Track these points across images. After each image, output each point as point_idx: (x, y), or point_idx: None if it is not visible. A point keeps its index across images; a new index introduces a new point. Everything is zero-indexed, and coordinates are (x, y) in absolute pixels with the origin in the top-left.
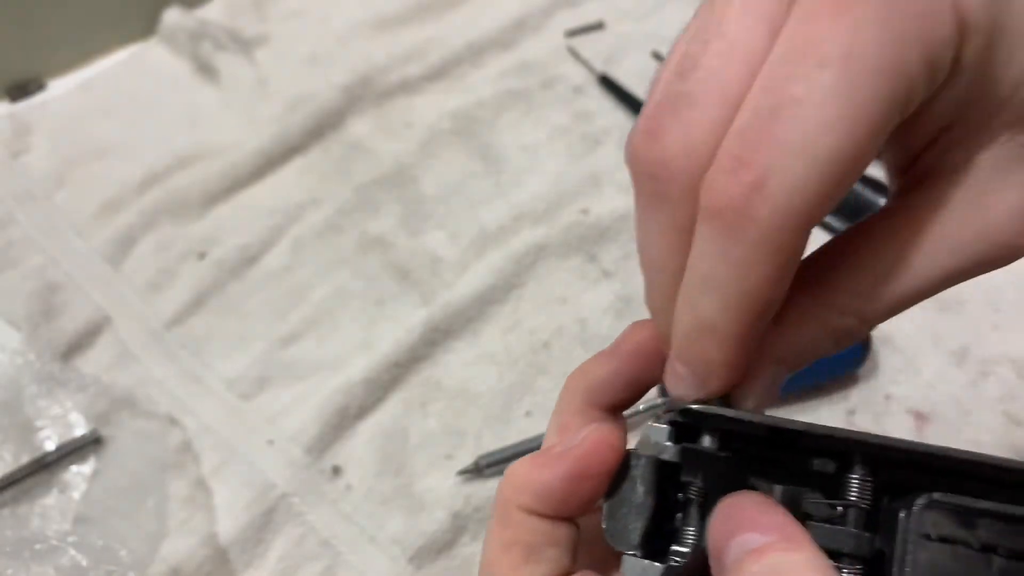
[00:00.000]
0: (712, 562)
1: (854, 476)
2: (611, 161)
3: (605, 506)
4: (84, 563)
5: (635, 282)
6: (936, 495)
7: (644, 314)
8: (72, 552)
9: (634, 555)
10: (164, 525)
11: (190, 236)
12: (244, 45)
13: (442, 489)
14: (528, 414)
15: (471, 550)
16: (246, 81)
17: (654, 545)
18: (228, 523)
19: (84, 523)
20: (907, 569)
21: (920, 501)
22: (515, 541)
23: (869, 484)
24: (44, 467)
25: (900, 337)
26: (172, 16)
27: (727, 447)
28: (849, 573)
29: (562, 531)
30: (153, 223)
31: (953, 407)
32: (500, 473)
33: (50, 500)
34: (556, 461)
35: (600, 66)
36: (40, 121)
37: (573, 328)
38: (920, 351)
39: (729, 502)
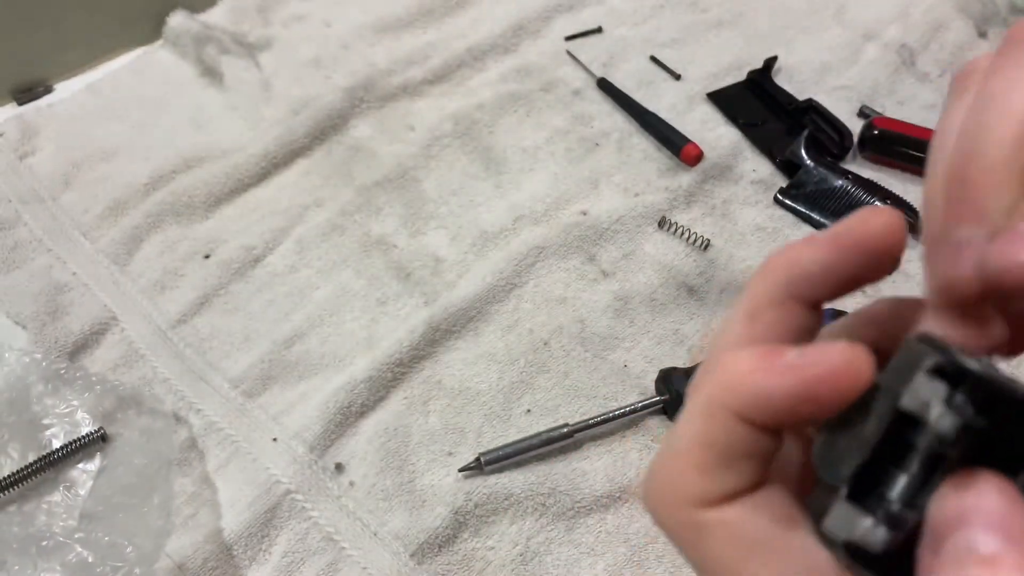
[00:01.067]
0: (927, 541)
1: None
2: (610, 163)
3: (825, 427)
4: (90, 559)
5: (633, 282)
6: None
7: (642, 313)
8: (78, 548)
9: (845, 504)
10: (170, 521)
11: (195, 237)
12: (248, 49)
13: (443, 486)
14: (528, 412)
15: (472, 545)
16: (250, 84)
17: (862, 487)
18: (233, 519)
19: (90, 520)
20: None
21: None
22: (711, 442)
23: None
24: (51, 464)
25: None
26: (177, 20)
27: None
28: None
29: (765, 442)
30: (159, 224)
31: None
32: (501, 470)
33: (57, 497)
34: (787, 372)
35: (599, 70)
36: (47, 123)
37: (572, 327)
38: None
39: (972, 480)
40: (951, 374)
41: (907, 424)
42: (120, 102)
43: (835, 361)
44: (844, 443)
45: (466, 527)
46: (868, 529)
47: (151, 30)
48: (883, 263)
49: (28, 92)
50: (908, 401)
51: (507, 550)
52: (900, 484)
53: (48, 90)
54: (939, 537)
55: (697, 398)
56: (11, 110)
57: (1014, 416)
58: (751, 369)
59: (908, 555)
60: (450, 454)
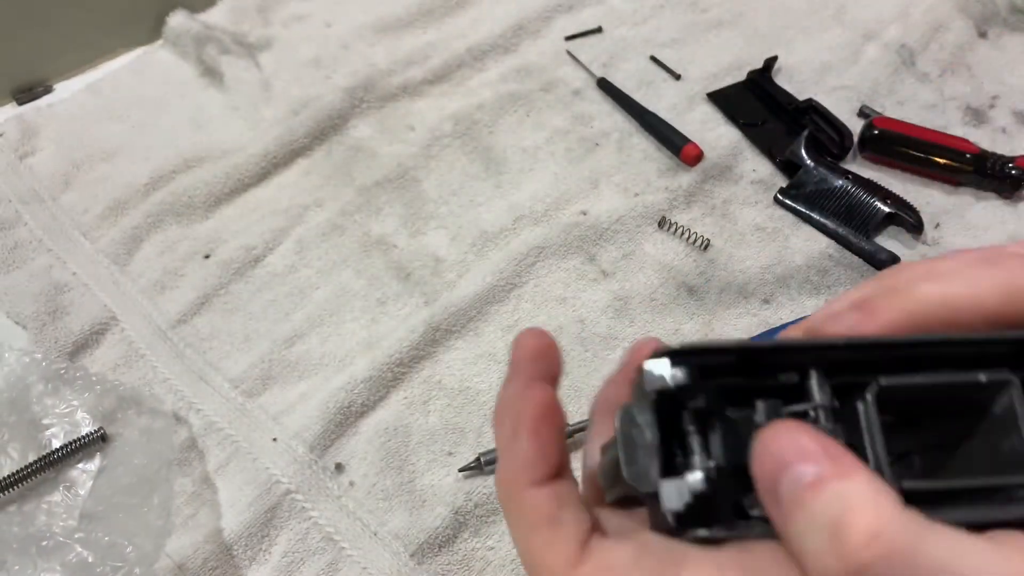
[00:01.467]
0: (766, 500)
1: (813, 380)
2: (610, 163)
3: (621, 455)
4: (90, 559)
5: (633, 282)
6: (883, 380)
7: (642, 313)
8: (79, 549)
9: (668, 482)
10: (170, 521)
11: (195, 237)
12: (248, 49)
13: (443, 485)
14: None
15: (472, 545)
16: (250, 84)
17: (667, 467)
18: (233, 519)
19: (90, 520)
20: (871, 455)
21: (870, 389)
22: (534, 521)
23: (828, 384)
24: (51, 464)
25: None
26: (177, 20)
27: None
28: None
29: (564, 488)
30: (159, 224)
31: None
32: None
33: (57, 497)
34: (516, 438)
35: (599, 70)
36: (47, 123)
37: (572, 327)
38: None
39: (768, 434)
40: (669, 353)
41: (665, 414)
42: (120, 102)
43: (532, 402)
44: (638, 456)
45: (466, 527)
46: (697, 481)
47: (151, 30)
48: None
49: (28, 92)
50: (648, 384)
51: (507, 550)
52: (693, 444)
53: (48, 90)
54: (772, 489)
55: (504, 508)
56: (11, 110)
57: (735, 362)
58: (505, 458)
59: (723, 502)
60: (450, 454)
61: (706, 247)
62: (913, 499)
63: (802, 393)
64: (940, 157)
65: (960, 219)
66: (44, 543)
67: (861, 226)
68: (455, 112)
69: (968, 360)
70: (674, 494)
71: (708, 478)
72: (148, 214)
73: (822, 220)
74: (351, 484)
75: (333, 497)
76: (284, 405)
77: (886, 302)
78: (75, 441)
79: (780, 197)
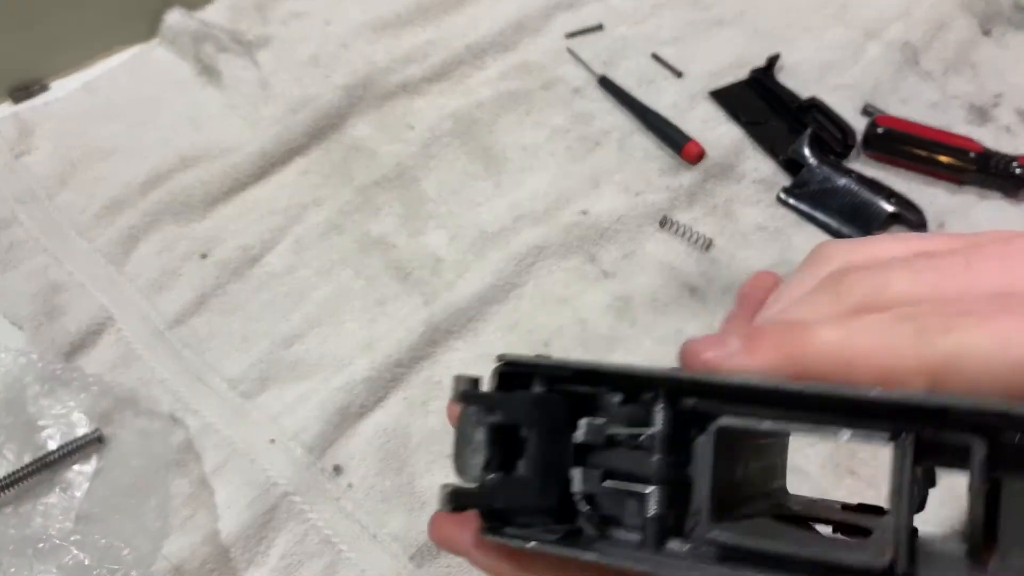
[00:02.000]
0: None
1: (651, 406)
2: (610, 162)
3: (453, 446)
4: (87, 562)
5: (634, 282)
6: (723, 420)
7: (643, 313)
8: (75, 551)
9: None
10: (166, 523)
11: (192, 236)
12: (246, 47)
13: None
14: None
15: None
16: (248, 83)
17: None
18: (230, 521)
19: (87, 522)
20: (698, 491)
21: (710, 428)
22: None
23: (665, 413)
24: (47, 466)
25: None
26: (174, 18)
27: (552, 390)
28: (652, 496)
29: None
30: (156, 223)
31: None
32: None
33: (53, 499)
34: None
35: (599, 68)
36: (43, 122)
37: (573, 328)
38: None
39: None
40: (503, 369)
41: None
42: (117, 101)
43: None
44: (467, 450)
45: None
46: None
47: (148, 28)
48: None
49: (24, 91)
50: (453, 396)
51: None
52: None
53: (44, 88)
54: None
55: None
56: (7, 109)
57: (563, 381)
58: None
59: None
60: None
61: (708, 247)
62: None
63: (645, 415)
64: (944, 156)
65: (964, 218)
66: (40, 545)
67: (865, 225)
68: (455, 111)
69: (837, 410)
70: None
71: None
72: (145, 213)
73: (825, 219)
74: (350, 486)
75: (331, 499)
76: (282, 406)
77: (772, 342)
78: (71, 442)
79: (783, 196)
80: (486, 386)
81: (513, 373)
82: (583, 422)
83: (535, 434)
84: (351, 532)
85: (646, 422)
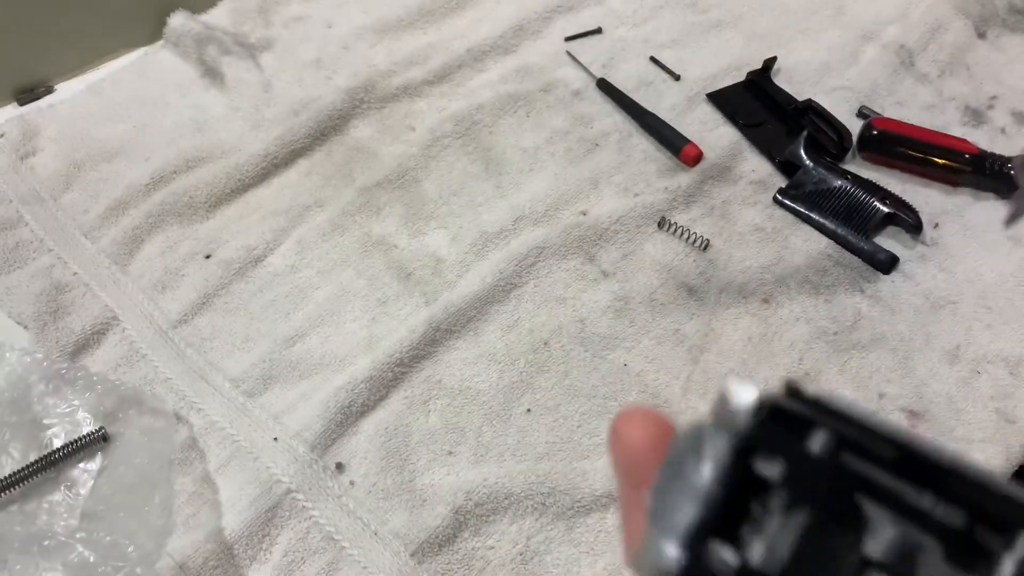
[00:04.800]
0: None
1: (1015, 555)
2: (609, 163)
3: (658, 479)
4: (92, 559)
5: (633, 282)
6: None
7: (642, 313)
8: (80, 548)
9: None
10: (171, 521)
11: (196, 237)
12: (249, 49)
13: (444, 485)
14: (528, 411)
15: (472, 545)
16: (251, 85)
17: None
18: (234, 518)
19: (91, 519)
20: None
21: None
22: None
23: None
24: (52, 464)
25: (893, 336)
26: (178, 20)
27: (838, 453)
28: None
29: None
30: (159, 224)
31: (946, 405)
32: (501, 465)
33: (58, 497)
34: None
35: (599, 71)
36: (48, 124)
37: (572, 327)
38: (913, 350)
39: None
40: (781, 403)
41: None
42: (121, 102)
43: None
44: (676, 490)
45: (466, 526)
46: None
47: (152, 30)
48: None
49: (29, 92)
50: (716, 411)
51: (507, 549)
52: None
53: (49, 90)
54: None
55: None
56: (12, 110)
57: (866, 453)
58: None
59: None
60: (450, 453)
61: (706, 247)
62: None
63: (970, 548)
64: (939, 157)
65: (959, 219)
66: (46, 542)
67: (860, 226)
68: (455, 112)
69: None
70: (658, 551)
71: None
72: (149, 214)
73: (821, 220)
74: (351, 483)
75: (334, 496)
76: (285, 405)
77: None
78: (76, 441)
79: (779, 197)
80: (737, 416)
81: (783, 412)
82: (889, 531)
83: (805, 514)
84: (353, 529)
85: (970, 557)
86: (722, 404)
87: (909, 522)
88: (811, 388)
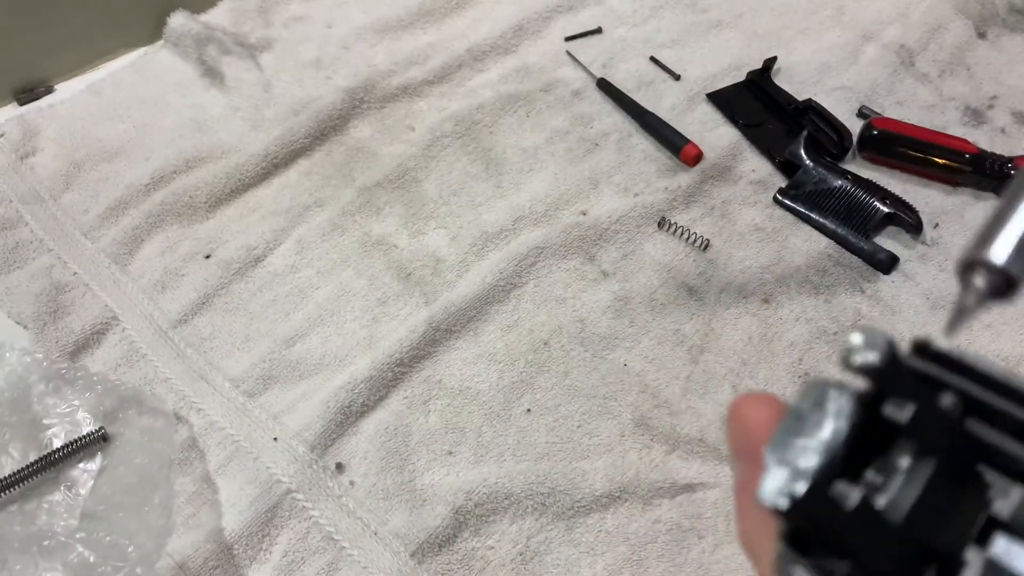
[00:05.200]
0: None
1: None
2: (609, 163)
3: (776, 435)
4: (92, 559)
5: (633, 282)
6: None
7: (642, 313)
8: (80, 548)
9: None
10: (170, 521)
11: (196, 237)
12: (249, 49)
13: (444, 485)
14: (528, 411)
15: (472, 545)
16: (251, 84)
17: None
18: (233, 518)
19: (91, 519)
20: None
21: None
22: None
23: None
24: (52, 464)
25: (893, 336)
26: (178, 20)
27: (964, 418)
28: None
29: None
30: (159, 224)
31: None
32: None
33: (58, 496)
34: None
35: (598, 70)
36: (48, 123)
37: (572, 327)
38: None
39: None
40: (909, 361)
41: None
42: (121, 102)
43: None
44: (798, 444)
45: (466, 526)
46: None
47: (152, 30)
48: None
49: (29, 92)
50: (844, 356)
51: (507, 549)
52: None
53: (49, 90)
54: None
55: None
56: (12, 110)
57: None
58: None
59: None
60: (450, 453)
61: (706, 247)
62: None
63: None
64: (939, 157)
65: (959, 219)
66: (45, 542)
67: (860, 226)
68: (455, 112)
69: None
70: (774, 484)
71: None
72: (149, 214)
73: (821, 220)
74: (351, 484)
75: (333, 496)
76: (285, 405)
77: None
78: (76, 441)
79: (779, 197)
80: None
81: (911, 370)
82: (1018, 493)
83: (930, 466)
84: (353, 529)
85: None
86: (849, 354)
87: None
88: (941, 344)
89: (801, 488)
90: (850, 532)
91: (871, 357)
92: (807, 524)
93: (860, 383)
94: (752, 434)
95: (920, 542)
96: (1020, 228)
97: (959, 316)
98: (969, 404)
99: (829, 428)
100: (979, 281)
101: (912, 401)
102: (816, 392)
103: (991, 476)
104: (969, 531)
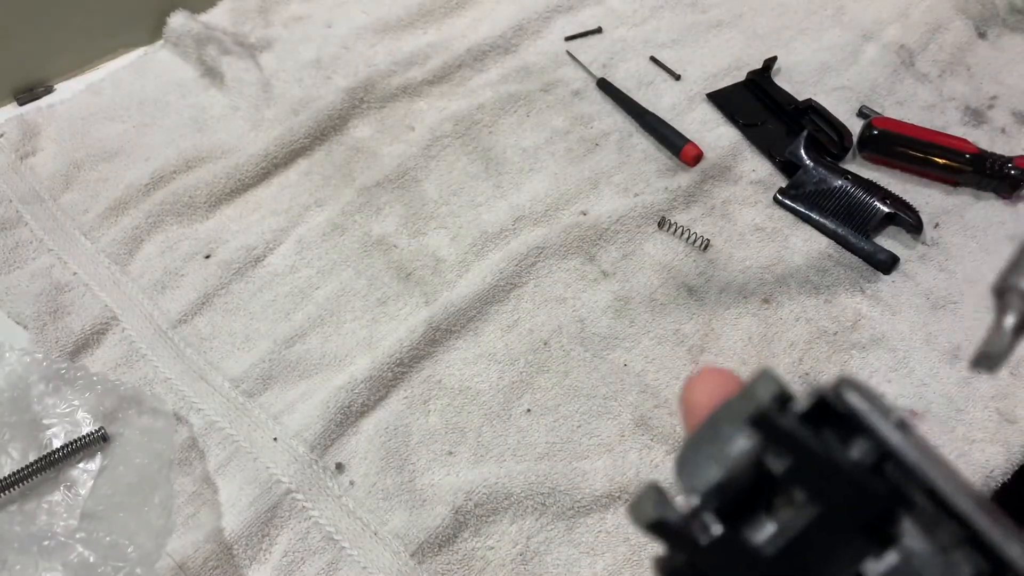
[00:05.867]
0: None
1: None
2: (609, 163)
3: (690, 436)
4: (92, 559)
5: (633, 282)
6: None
7: (642, 313)
8: (80, 548)
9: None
10: (170, 521)
11: (196, 237)
12: (249, 49)
13: (444, 485)
14: (528, 411)
15: (472, 545)
16: (251, 85)
17: (727, 509)
18: (233, 518)
19: (91, 519)
20: None
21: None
22: None
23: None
24: (52, 464)
25: (893, 336)
26: (178, 20)
27: (877, 468)
28: None
29: None
30: (159, 224)
31: (946, 405)
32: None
33: (57, 497)
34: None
35: (599, 70)
36: (48, 123)
37: (572, 327)
38: (913, 350)
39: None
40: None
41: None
42: (121, 102)
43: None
44: (706, 451)
45: (466, 527)
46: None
47: (152, 31)
48: None
49: (29, 92)
50: (745, 392)
51: (507, 549)
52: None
53: (49, 90)
54: None
55: None
56: (12, 110)
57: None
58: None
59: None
60: (450, 453)
61: (706, 247)
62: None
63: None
64: (939, 157)
65: (959, 219)
66: (45, 542)
67: (860, 226)
68: (455, 112)
69: None
70: (654, 501)
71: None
72: (149, 214)
73: (821, 220)
74: (351, 484)
75: (333, 497)
76: (284, 405)
77: None
78: (76, 441)
79: (779, 197)
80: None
81: (830, 411)
82: (891, 553)
83: (811, 510)
84: (353, 529)
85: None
86: (751, 390)
87: (894, 540)
88: (859, 392)
89: (672, 515)
90: (710, 562)
91: (764, 403)
92: (679, 556)
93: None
94: (695, 412)
95: None
96: None
97: (994, 347)
98: (884, 454)
99: (740, 446)
100: (1014, 306)
101: (788, 455)
102: (738, 405)
103: (905, 526)
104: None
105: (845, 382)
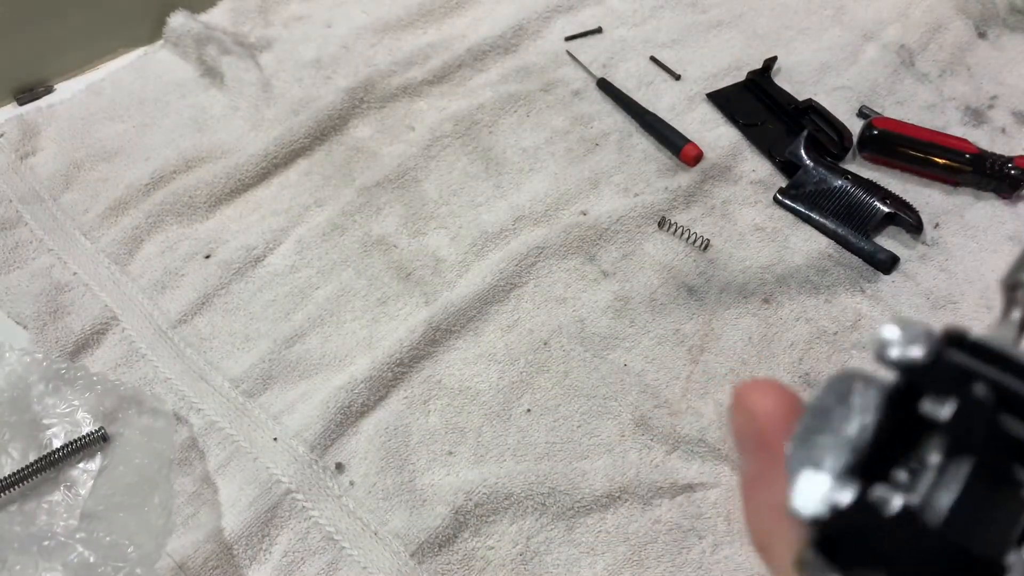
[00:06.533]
0: None
1: None
2: (609, 163)
3: (798, 428)
4: (92, 559)
5: (633, 282)
6: None
7: (642, 313)
8: (80, 548)
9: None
10: (170, 521)
11: (196, 237)
12: (249, 49)
13: (444, 485)
14: (528, 411)
15: (472, 545)
16: (251, 84)
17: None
18: (233, 519)
19: (91, 519)
20: None
21: None
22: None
23: None
24: (52, 464)
25: None
26: (178, 20)
27: (997, 412)
28: None
29: None
30: (159, 224)
31: None
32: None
33: (57, 497)
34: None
35: (599, 70)
36: (48, 123)
37: (572, 327)
38: None
39: None
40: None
41: (897, 416)
42: (121, 102)
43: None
44: (820, 441)
45: (466, 527)
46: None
47: (152, 30)
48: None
49: (29, 92)
50: (876, 350)
51: (507, 549)
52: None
53: (49, 90)
54: None
55: None
56: (12, 110)
57: None
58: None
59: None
60: (450, 453)
61: (706, 247)
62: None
63: None
64: (939, 157)
65: (959, 219)
66: (45, 543)
67: (861, 226)
68: (455, 112)
69: None
70: (814, 492)
71: (869, 502)
72: (149, 214)
73: (821, 220)
74: (351, 484)
75: (333, 497)
76: (284, 405)
77: None
78: (76, 441)
79: (780, 197)
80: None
81: (946, 367)
82: None
83: (966, 465)
84: (353, 529)
85: None
86: (884, 347)
87: None
88: (976, 334)
89: (846, 498)
90: (888, 539)
91: (914, 352)
92: (841, 531)
93: (887, 376)
94: (761, 424)
95: (960, 547)
96: None
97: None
98: (1003, 398)
99: (855, 425)
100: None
101: (952, 397)
102: (840, 386)
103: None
104: (1010, 534)
105: (954, 329)
